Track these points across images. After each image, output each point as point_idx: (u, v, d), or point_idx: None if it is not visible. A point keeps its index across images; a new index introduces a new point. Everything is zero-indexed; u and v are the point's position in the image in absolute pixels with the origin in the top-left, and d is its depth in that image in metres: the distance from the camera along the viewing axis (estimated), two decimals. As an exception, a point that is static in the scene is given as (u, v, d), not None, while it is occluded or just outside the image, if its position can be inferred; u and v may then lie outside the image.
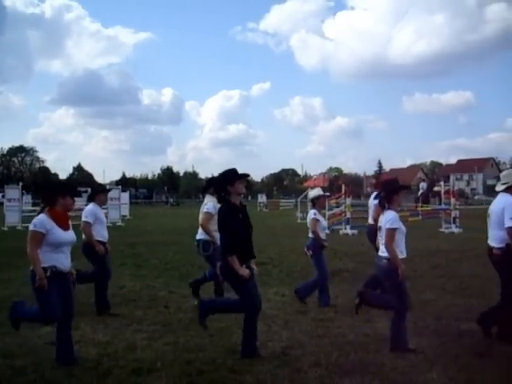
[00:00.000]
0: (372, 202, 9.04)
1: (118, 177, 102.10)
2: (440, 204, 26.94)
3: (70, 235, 5.78)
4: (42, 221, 5.56)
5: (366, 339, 6.53)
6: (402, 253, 6.08)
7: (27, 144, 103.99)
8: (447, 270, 11.92)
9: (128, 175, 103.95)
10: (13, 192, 27.19)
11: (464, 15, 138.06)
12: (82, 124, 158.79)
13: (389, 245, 5.99)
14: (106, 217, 30.02)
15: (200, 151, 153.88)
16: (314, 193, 8.95)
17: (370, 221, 8.95)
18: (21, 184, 28.27)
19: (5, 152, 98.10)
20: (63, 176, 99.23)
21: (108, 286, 8.35)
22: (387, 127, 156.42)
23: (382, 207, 6.39)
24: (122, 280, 10.90)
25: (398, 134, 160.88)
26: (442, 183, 27.99)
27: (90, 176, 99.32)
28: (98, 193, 8.55)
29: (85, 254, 8.23)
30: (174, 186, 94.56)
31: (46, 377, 5.31)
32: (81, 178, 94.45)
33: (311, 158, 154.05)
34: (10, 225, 24.26)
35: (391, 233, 6.01)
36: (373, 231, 8.72)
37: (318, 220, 8.55)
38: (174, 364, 5.65)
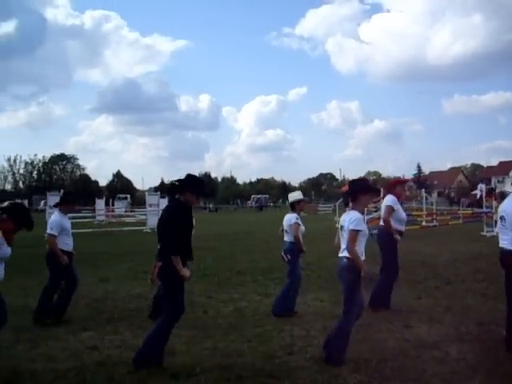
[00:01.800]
0: (383, 203, 8.85)
1: (156, 183, 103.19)
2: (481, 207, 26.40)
3: (9, 250, 5.65)
4: None
5: (405, 345, 6.45)
6: (362, 254, 5.92)
7: (68, 152, 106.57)
8: (489, 275, 11.64)
9: (167, 181, 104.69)
10: (54, 199, 27.69)
11: (501, 15, 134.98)
12: (121, 131, 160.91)
13: (351, 246, 5.82)
14: (145, 223, 30.26)
15: (237, 157, 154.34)
16: (294, 196, 8.62)
17: (380, 222, 8.79)
18: (62, 191, 28.82)
19: (47, 160, 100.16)
20: (103, 183, 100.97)
21: (72, 295, 8.21)
22: (426, 130, 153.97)
23: (346, 205, 6.23)
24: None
25: (437, 137, 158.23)
26: (483, 186, 27.45)
27: (129, 183, 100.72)
28: (69, 203, 8.45)
29: (48, 264, 8.02)
30: (211, 192, 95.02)
31: (88, 380, 5.40)
32: (120, 185, 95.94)
33: (349, 162, 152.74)
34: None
35: (354, 234, 5.83)
36: (380, 232, 8.63)
37: (299, 224, 8.31)
38: (212, 369, 5.67)
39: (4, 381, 5.40)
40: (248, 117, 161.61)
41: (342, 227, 6.07)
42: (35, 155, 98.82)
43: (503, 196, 8.56)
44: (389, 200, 8.66)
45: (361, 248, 5.93)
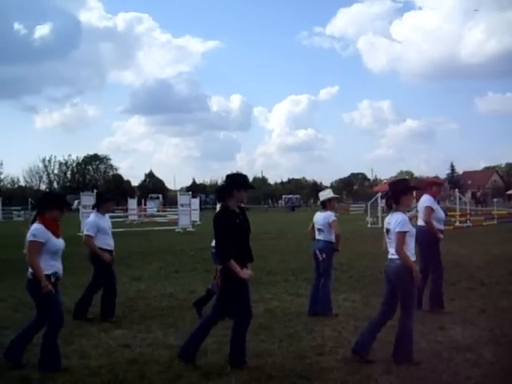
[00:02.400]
0: (420, 203, 8.71)
1: (188, 183, 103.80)
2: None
3: (62, 242, 5.97)
4: (41, 231, 5.74)
5: (438, 346, 6.36)
6: (412, 255, 5.89)
7: (101, 152, 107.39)
8: (525, 277, 11.46)
9: (198, 181, 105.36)
10: (88, 199, 28.11)
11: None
12: (153, 132, 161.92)
13: (400, 248, 5.77)
14: (177, 223, 30.47)
15: (269, 157, 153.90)
16: (325, 194, 8.53)
17: (419, 222, 8.65)
18: (95, 191, 29.20)
19: (80, 160, 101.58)
20: (135, 183, 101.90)
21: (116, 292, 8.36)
22: (459, 129, 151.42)
23: (389, 208, 6.14)
24: (193, 285, 11.07)
25: (470, 136, 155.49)
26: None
27: (161, 183, 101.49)
28: (106, 201, 8.50)
29: (92, 263, 8.18)
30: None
31: (120, 378, 5.45)
32: (152, 185, 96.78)
33: (381, 162, 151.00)
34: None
35: (402, 236, 5.79)
36: (421, 233, 8.46)
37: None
38: (243, 369, 5.68)
39: (39, 376, 5.49)
40: (279, 117, 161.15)
41: (387, 230, 6.04)
42: (69, 156, 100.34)
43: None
44: (427, 200, 8.56)
45: (410, 249, 5.89)
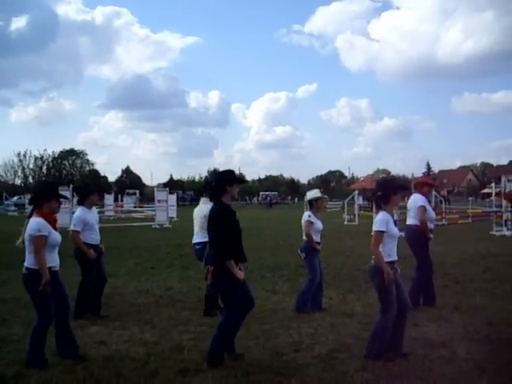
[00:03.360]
0: (411, 202, 8.79)
1: (165, 179, 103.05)
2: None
3: (59, 235, 5.95)
4: (43, 224, 5.69)
5: (413, 343, 6.40)
6: (389, 256, 5.87)
7: (77, 147, 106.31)
8: (498, 274, 11.62)
9: (175, 177, 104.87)
10: (64, 194, 27.85)
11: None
12: (130, 127, 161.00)
13: (374, 247, 5.82)
14: (154, 219, 30.37)
15: (246, 153, 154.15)
16: (312, 194, 8.60)
17: (409, 221, 8.75)
18: (71, 186, 28.92)
19: (56, 155, 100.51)
20: (112, 179, 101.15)
21: (104, 289, 8.36)
22: (436, 128, 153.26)
23: (377, 207, 6.16)
24: (169, 281, 11.04)
25: (446, 135, 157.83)
26: (492, 185, 27.29)
27: (138, 178, 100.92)
28: (90, 194, 8.38)
29: (77, 260, 8.08)
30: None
31: (95, 375, 5.41)
32: (129, 181, 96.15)
33: (358, 160, 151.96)
34: (61, 225, 24.77)
35: (378, 235, 5.83)
36: (411, 232, 8.59)
37: (312, 222, 8.29)
38: (219, 365, 5.67)
39: (13, 374, 5.43)
40: (257, 113, 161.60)
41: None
42: (45, 150, 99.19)
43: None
44: (420, 200, 8.61)
45: (388, 249, 5.89)
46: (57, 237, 5.84)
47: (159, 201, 30.53)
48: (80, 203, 8.30)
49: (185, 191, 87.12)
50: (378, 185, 6.54)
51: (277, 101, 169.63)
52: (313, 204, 8.48)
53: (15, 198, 64.11)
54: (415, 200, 8.69)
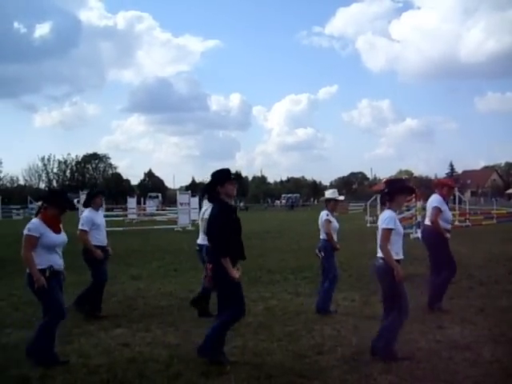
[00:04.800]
0: (428, 203, 8.72)
1: (187, 182, 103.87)
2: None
3: (61, 237, 6.05)
4: (35, 225, 5.84)
5: (437, 346, 6.36)
6: (397, 254, 5.88)
7: (100, 151, 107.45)
8: (524, 276, 11.47)
9: (197, 180, 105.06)
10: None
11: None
12: (152, 131, 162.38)
13: (383, 245, 5.82)
14: (176, 221, 30.43)
15: (268, 156, 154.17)
16: (329, 193, 8.63)
17: (427, 221, 8.68)
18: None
19: (79, 159, 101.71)
20: (135, 182, 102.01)
21: (104, 290, 8.43)
22: (459, 128, 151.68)
23: (383, 204, 6.18)
24: (192, 284, 11.05)
25: (470, 135, 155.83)
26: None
27: (160, 181, 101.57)
28: (94, 197, 8.54)
29: (84, 260, 8.23)
30: (242, 191, 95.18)
31: (119, 377, 5.46)
32: (151, 184, 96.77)
33: (380, 161, 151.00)
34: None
35: (386, 233, 5.83)
36: (426, 232, 8.56)
37: (330, 221, 8.29)
38: (242, 367, 5.69)
39: (39, 375, 5.49)
40: (278, 116, 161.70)
41: (378, 228, 6.08)
42: (68, 154, 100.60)
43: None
44: (436, 201, 8.53)
45: (396, 247, 5.90)
46: (55, 238, 5.95)
47: (181, 203, 30.66)
48: (86, 205, 8.43)
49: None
50: (386, 183, 6.57)
51: (298, 103, 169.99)
52: (330, 203, 8.49)
53: (40, 202, 64.74)
54: (432, 200, 8.63)
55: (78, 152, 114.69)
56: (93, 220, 8.18)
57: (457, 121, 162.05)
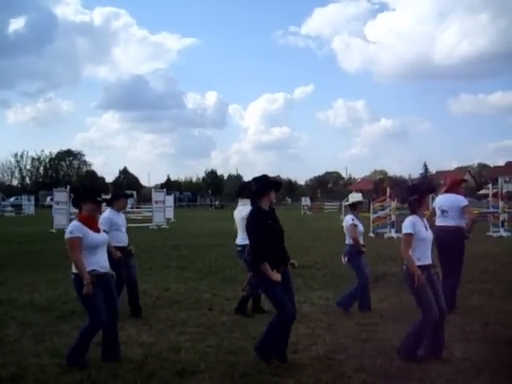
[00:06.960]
0: (450, 203, 8.36)
1: (162, 180, 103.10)
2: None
3: (102, 236, 6.00)
4: (76, 226, 5.76)
5: (411, 344, 6.41)
6: (418, 259, 5.82)
7: (75, 148, 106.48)
8: (495, 275, 11.65)
9: (173, 178, 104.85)
10: (61, 195, 27.86)
11: (509, 12, 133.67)
12: (127, 128, 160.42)
13: (404, 250, 5.82)
14: (151, 220, 30.30)
15: (244, 154, 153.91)
16: (356, 197, 8.68)
17: (446, 223, 8.41)
18: (68, 187, 28.89)
19: (53, 156, 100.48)
20: (109, 179, 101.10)
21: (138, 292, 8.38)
22: (433, 129, 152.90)
23: (412, 212, 6.01)
24: (167, 282, 11.03)
25: (443, 136, 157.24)
26: (489, 186, 27.32)
27: (135, 179, 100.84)
28: (119, 198, 8.47)
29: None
30: (218, 189, 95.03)
31: (92, 376, 5.40)
32: (126, 182, 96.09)
33: (355, 161, 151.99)
34: (58, 227, 24.85)
35: (406, 238, 5.83)
36: (454, 234, 8.33)
37: (356, 225, 8.29)
38: (217, 366, 5.67)
39: (10, 375, 5.42)
40: (254, 114, 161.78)
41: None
42: (42, 151, 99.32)
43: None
44: (463, 200, 8.32)
45: (416, 252, 5.85)
46: (97, 237, 5.85)
47: (156, 202, 30.52)
48: (109, 205, 8.29)
49: (182, 192, 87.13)
50: (412, 189, 6.30)
51: (274, 102, 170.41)
52: (355, 207, 8.53)
53: (12, 198, 64.06)
54: (458, 200, 8.31)
55: (51, 149, 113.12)
56: (111, 220, 8.03)
57: (431, 121, 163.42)
